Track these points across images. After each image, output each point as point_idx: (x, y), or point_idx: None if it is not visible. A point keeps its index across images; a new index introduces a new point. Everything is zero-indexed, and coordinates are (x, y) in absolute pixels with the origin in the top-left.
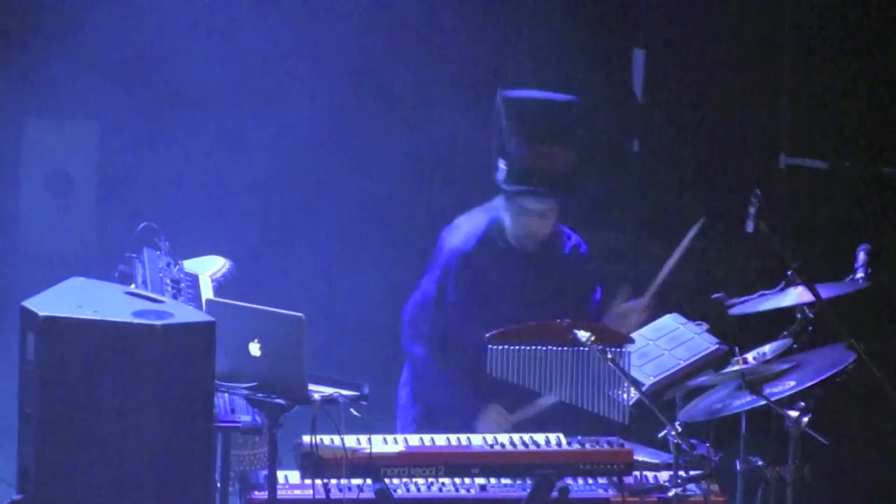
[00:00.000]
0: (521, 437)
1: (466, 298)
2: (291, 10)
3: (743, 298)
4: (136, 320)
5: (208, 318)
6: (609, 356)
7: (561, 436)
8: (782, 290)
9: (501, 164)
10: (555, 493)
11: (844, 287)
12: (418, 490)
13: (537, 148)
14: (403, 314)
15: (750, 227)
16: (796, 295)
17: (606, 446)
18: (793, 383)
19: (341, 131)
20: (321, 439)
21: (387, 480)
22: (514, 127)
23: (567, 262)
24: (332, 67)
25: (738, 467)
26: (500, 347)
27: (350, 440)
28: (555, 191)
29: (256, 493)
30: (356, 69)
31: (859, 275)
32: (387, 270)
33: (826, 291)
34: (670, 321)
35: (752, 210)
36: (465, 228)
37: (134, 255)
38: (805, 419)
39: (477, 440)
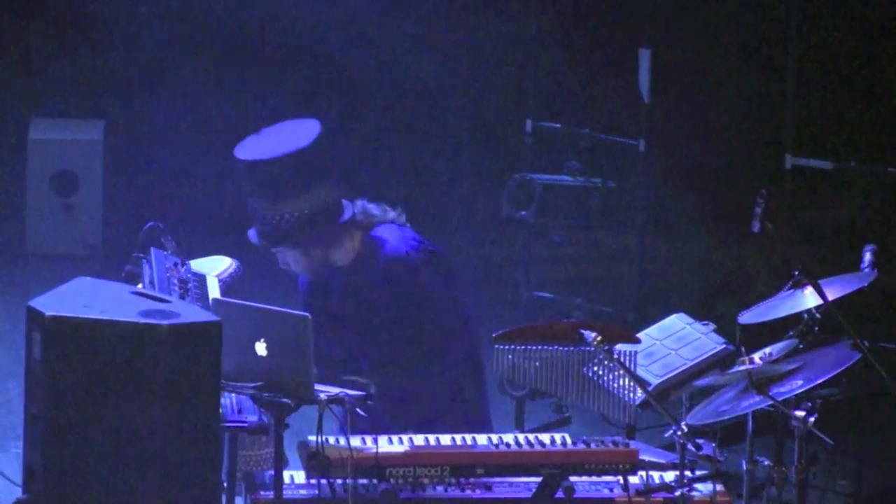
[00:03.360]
0: (526, 437)
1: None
2: (289, 8)
3: (751, 308)
4: (143, 320)
5: (215, 317)
6: (615, 356)
7: (566, 435)
8: (789, 290)
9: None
10: (560, 493)
11: (853, 280)
12: (423, 490)
13: (259, 205)
14: None
15: (756, 227)
16: (803, 300)
17: (612, 446)
18: (800, 383)
19: (344, 130)
20: (327, 439)
21: (392, 480)
22: (241, 186)
23: (382, 275)
24: (335, 66)
25: (744, 467)
26: (506, 347)
27: (355, 440)
28: (278, 242)
29: (262, 492)
30: (358, 69)
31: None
32: None
33: (835, 287)
34: (676, 321)
35: (757, 210)
36: None
37: (141, 255)
38: (811, 419)
39: (482, 440)
